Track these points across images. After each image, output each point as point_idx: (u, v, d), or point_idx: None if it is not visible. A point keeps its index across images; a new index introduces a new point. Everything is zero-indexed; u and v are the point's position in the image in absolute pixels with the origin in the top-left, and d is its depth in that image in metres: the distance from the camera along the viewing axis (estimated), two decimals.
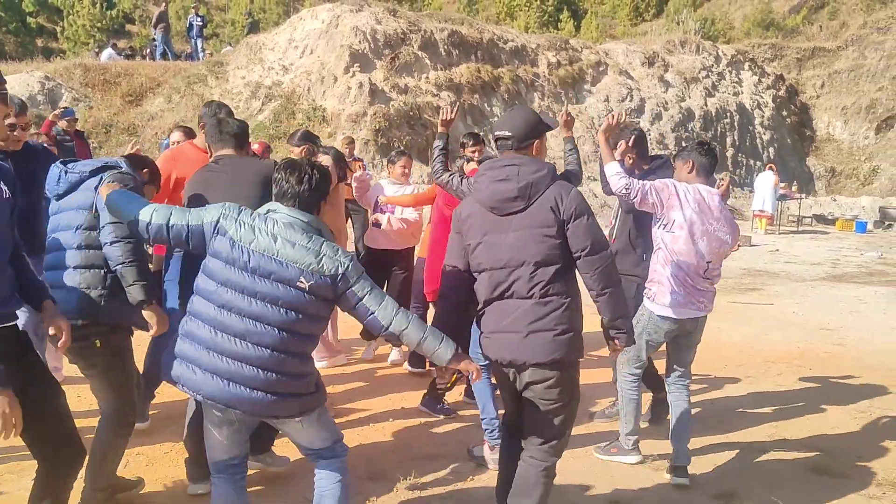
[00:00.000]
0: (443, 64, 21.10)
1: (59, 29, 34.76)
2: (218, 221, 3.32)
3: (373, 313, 3.31)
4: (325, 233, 3.42)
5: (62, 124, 9.85)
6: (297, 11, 25.70)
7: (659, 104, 24.44)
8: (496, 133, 3.76)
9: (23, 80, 19.54)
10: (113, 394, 4.00)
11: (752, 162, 25.89)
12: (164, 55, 25.54)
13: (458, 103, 6.35)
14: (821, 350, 8.37)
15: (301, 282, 3.23)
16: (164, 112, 19.60)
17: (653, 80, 25.04)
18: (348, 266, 3.29)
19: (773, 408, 6.34)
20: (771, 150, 26.57)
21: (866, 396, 6.73)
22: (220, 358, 3.21)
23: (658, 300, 4.81)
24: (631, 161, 5.63)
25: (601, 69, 24.42)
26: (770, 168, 20.98)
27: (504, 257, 3.56)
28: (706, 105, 25.41)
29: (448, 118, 4.95)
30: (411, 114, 19.17)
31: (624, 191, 4.67)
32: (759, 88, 27.78)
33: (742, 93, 27.11)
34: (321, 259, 3.26)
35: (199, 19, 27.36)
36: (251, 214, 3.36)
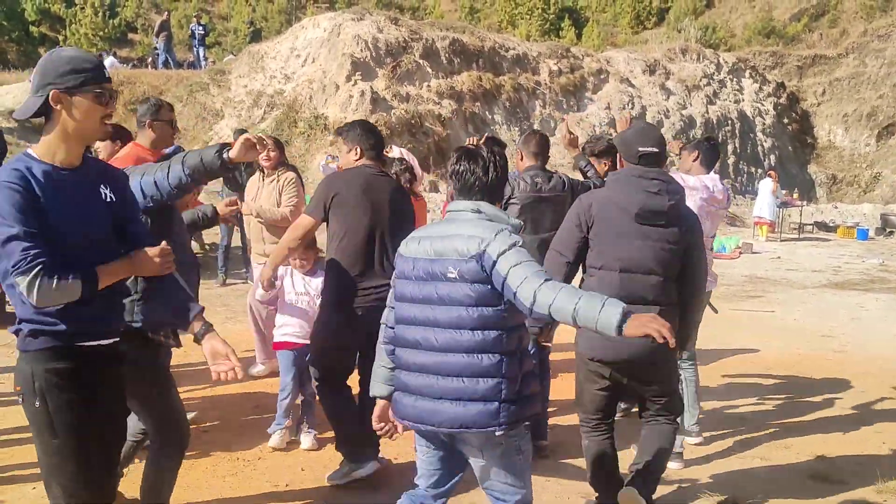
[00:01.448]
0: (444, 72, 21.16)
1: (61, 38, 34.78)
2: None
3: (514, 292, 2.96)
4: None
5: None
6: (299, 20, 25.77)
7: (660, 112, 24.48)
8: (643, 149, 3.99)
9: (25, 89, 19.58)
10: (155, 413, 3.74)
11: (753, 169, 25.90)
12: (166, 64, 25.65)
13: (485, 135, 6.48)
14: (822, 357, 8.37)
15: (451, 271, 3.09)
16: None
17: (654, 87, 25.08)
18: (488, 242, 3.04)
19: (774, 414, 6.34)
20: (772, 157, 26.58)
21: (867, 403, 6.73)
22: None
23: None
24: (605, 168, 5.81)
25: (602, 77, 24.47)
26: (769, 175, 20.99)
27: (636, 262, 3.91)
28: (707, 112, 25.44)
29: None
30: (413, 122, 19.22)
31: None
32: (760, 96, 27.81)
33: (743, 100, 27.14)
34: (468, 241, 3.08)
35: (201, 28, 27.50)
36: None
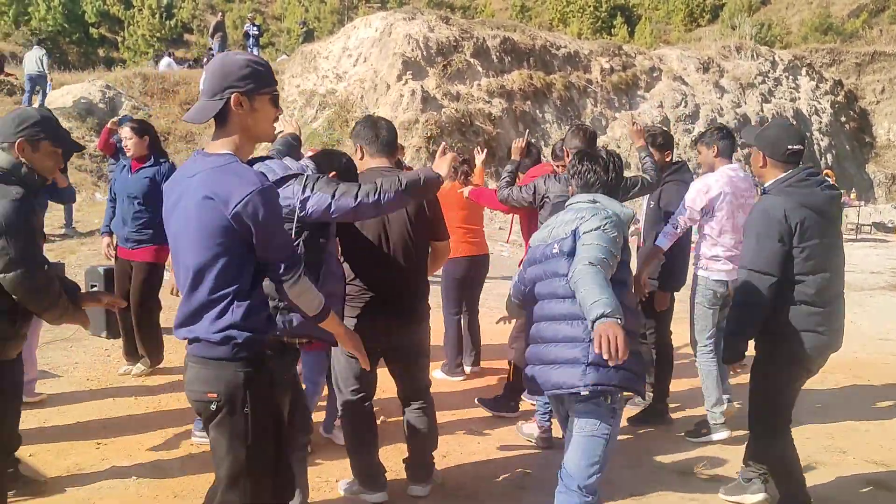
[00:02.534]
0: (495, 71, 21.15)
1: (119, 39, 35.56)
2: None
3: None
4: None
5: (122, 132, 10.05)
6: (351, 20, 25.97)
7: (714, 110, 24.16)
8: (792, 146, 4.08)
9: (84, 89, 20.06)
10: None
11: None
12: None
13: (528, 133, 6.50)
14: (879, 360, 8.21)
15: (555, 248, 3.54)
16: None
17: (708, 85, 24.77)
18: (584, 220, 3.47)
19: (830, 419, 6.23)
20: (829, 156, 26.07)
21: None
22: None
23: (712, 268, 5.54)
24: (668, 159, 5.98)
25: (655, 75, 24.23)
26: (826, 174, 20.59)
27: (839, 261, 4.24)
28: (762, 111, 25.04)
29: (521, 146, 5.78)
30: (463, 121, 19.25)
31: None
32: (816, 94, 27.29)
33: (799, 98, 26.66)
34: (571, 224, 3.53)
35: (255, 28, 27.86)
36: None
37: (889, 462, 5.33)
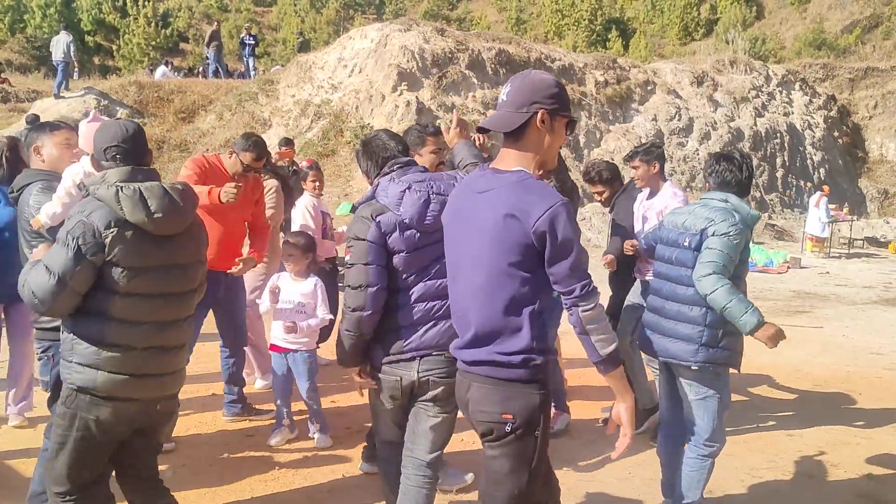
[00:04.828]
0: (490, 83, 21.19)
1: (115, 47, 35.60)
2: None
3: (696, 270, 4.02)
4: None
5: None
6: (347, 31, 26.04)
7: (708, 124, 24.24)
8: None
9: (79, 98, 20.06)
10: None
11: (801, 183, 25.52)
12: (216, 73, 26.08)
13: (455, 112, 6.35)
14: (871, 374, 8.22)
15: (685, 240, 4.15)
16: (215, 129, 19.97)
17: (702, 99, 24.86)
18: (714, 224, 4.03)
19: (822, 432, 6.23)
20: (822, 171, 26.16)
21: None
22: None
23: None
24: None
25: (649, 88, 24.31)
26: (821, 189, 20.68)
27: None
28: (756, 125, 25.14)
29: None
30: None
31: None
32: (810, 109, 27.41)
33: (793, 113, 26.77)
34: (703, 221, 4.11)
35: (251, 38, 27.93)
36: None
37: (880, 476, 5.34)
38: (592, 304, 2.75)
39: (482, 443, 2.95)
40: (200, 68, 29.75)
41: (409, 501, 3.53)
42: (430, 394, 3.48)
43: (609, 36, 38.90)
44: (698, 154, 23.11)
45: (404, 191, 3.45)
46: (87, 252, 2.98)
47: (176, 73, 29.24)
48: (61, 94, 20.73)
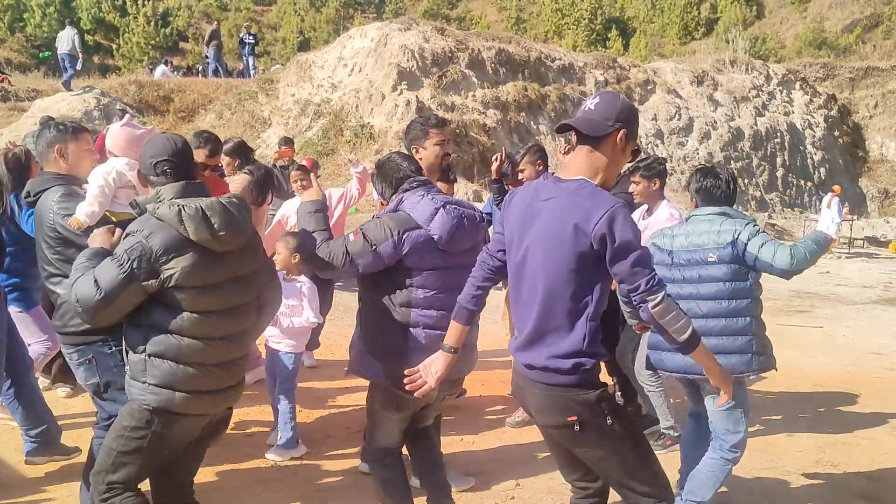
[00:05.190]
0: (490, 82, 21.19)
1: (114, 46, 35.57)
2: None
3: (769, 263, 4.05)
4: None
5: None
6: (347, 30, 26.02)
7: (708, 123, 24.24)
8: None
9: (79, 97, 20.05)
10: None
11: (802, 182, 25.53)
12: (216, 72, 26.06)
13: (503, 151, 6.37)
14: (871, 374, 8.21)
15: (710, 256, 4.18)
16: (215, 128, 19.92)
17: (702, 98, 24.86)
18: (739, 231, 4.13)
19: (821, 432, 6.22)
20: (822, 170, 26.17)
21: None
22: None
23: None
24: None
25: (649, 88, 24.31)
26: (832, 189, 20.74)
27: None
28: (756, 124, 25.14)
29: (497, 166, 5.95)
30: (458, 132, 19.25)
31: None
32: (810, 108, 27.41)
33: (793, 112, 26.77)
34: (721, 234, 4.18)
35: (250, 37, 27.90)
36: None
37: (880, 476, 5.32)
38: (660, 298, 2.88)
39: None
40: (200, 67, 29.72)
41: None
42: (440, 405, 3.90)
43: (609, 35, 38.87)
44: (698, 154, 23.12)
45: (437, 209, 3.58)
46: (140, 276, 2.96)
47: (175, 73, 29.22)
48: (71, 88, 20.91)
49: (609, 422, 2.97)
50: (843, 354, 9.10)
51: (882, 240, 22.00)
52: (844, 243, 21.29)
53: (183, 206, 3.02)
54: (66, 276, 3.39)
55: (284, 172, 9.29)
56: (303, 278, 5.27)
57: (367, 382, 3.85)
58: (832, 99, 28.36)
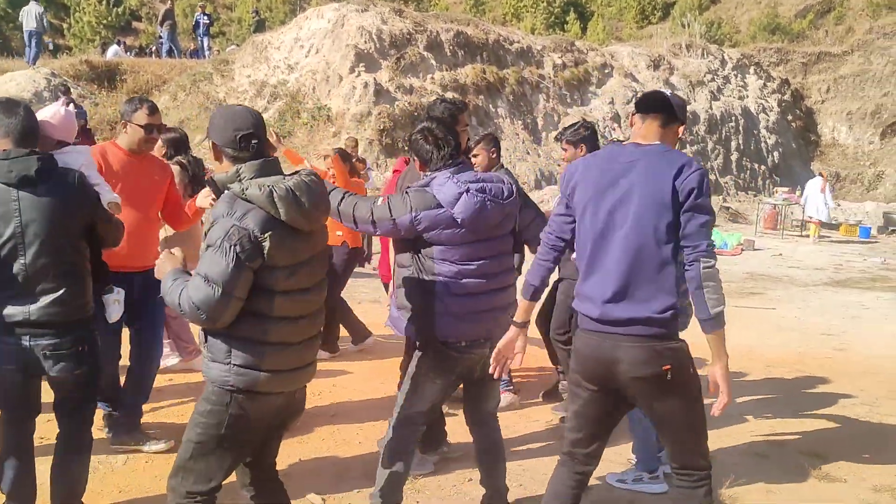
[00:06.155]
0: (448, 64, 21.12)
1: (65, 26, 34.83)
2: None
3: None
4: None
5: None
6: (304, 10, 25.72)
7: None
8: None
9: (29, 77, 19.60)
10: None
11: (756, 166, 25.87)
12: (170, 53, 25.59)
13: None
14: (822, 355, 8.37)
15: None
16: (169, 110, 19.62)
17: (658, 82, 25.02)
18: None
19: (773, 412, 6.33)
20: (776, 154, 26.55)
21: (867, 402, 6.72)
22: None
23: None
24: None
25: (607, 71, 24.42)
26: (820, 174, 21.10)
27: None
28: (711, 108, 25.40)
29: None
30: (416, 114, 19.15)
31: None
32: (764, 92, 27.76)
33: (747, 97, 27.09)
34: None
35: (205, 17, 27.43)
36: None
37: (828, 453, 5.41)
38: (713, 263, 3.10)
39: (640, 402, 3.32)
40: (153, 48, 29.19)
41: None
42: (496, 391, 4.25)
43: (567, 18, 38.92)
44: None
45: (462, 193, 3.70)
46: (246, 258, 2.87)
47: (128, 53, 28.68)
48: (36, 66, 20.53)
49: (691, 371, 3.24)
50: (794, 336, 9.26)
51: (833, 223, 22.40)
52: (797, 226, 21.64)
53: (273, 187, 2.93)
54: None
55: None
56: None
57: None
58: (785, 83, 28.74)
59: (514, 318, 3.54)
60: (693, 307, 3.23)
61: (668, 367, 3.15)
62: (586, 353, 3.34)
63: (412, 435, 4.02)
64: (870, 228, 21.56)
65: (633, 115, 3.44)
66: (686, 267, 3.12)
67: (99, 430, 4.75)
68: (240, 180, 2.97)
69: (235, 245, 2.85)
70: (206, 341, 3.08)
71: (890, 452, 5.56)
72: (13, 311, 3.42)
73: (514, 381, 6.23)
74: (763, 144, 26.52)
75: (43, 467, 3.74)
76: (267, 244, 2.90)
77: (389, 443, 4.00)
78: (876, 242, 20.47)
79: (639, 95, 3.86)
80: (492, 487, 4.21)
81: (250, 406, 3.06)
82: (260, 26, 28.33)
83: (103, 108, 19.66)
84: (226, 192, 3.02)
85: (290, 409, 3.28)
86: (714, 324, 3.11)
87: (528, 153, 20.61)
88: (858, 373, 7.64)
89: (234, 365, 3.01)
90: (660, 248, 3.13)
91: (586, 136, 5.59)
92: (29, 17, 20.68)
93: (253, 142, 3.03)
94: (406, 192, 3.78)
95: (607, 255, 3.22)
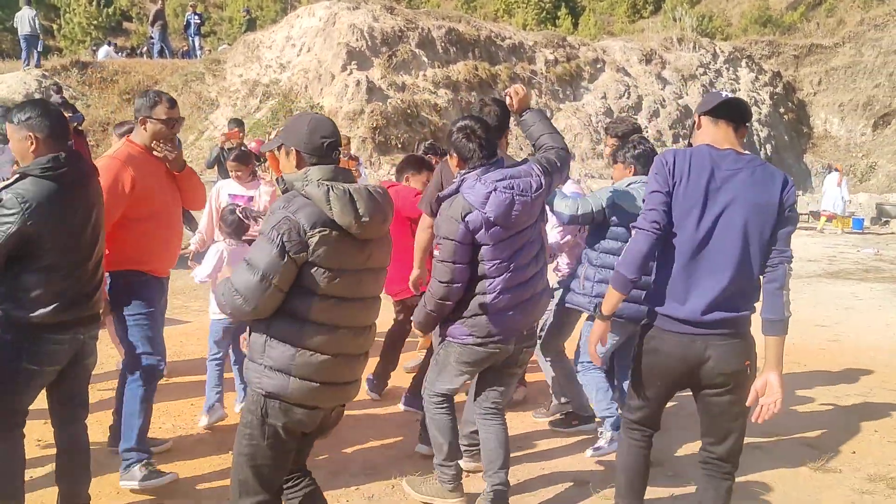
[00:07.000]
0: (440, 61, 21.12)
1: (55, 27, 34.70)
2: None
3: None
4: None
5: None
6: (295, 9, 25.69)
7: (656, 101, 24.47)
8: None
9: (20, 79, 19.56)
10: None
11: None
12: (161, 53, 25.54)
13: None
14: (815, 346, 8.39)
15: None
16: None
17: (650, 77, 25.06)
18: None
19: None
20: (768, 146, 26.60)
21: (860, 393, 6.76)
22: None
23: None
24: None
25: (599, 66, 24.44)
26: (836, 168, 21.14)
27: None
28: None
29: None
30: (408, 112, 19.20)
31: None
32: (756, 85, 27.80)
33: (739, 90, 27.10)
34: None
35: (196, 17, 27.36)
36: None
37: (822, 444, 5.45)
38: (791, 270, 3.39)
39: (708, 395, 3.50)
40: (145, 48, 29.10)
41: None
42: (519, 360, 4.22)
43: (559, 14, 38.87)
44: (647, 132, 23.32)
45: (490, 192, 3.83)
46: (291, 250, 2.89)
47: (120, 54, 28.61)
48: (30, 69, 20.56)
49: (756, 367, 3.48)
50: (789, 327, 9.27)
51: (846, 215, 22.35)
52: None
53: (331, 186, 2.99)
54: None
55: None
56: (221, 244, 5.35)
57: None
58: (777, 76, 28.78)
59: (602, 310, 3.60)
60: (765, 307, 3.40)
61: (749, 362, 3.42)
62: (672, 353, 3.47)
63: (448, 411, 4.28)
64: (863, 220, 21.61)
65: (700, 116, 3.52)
66: (771, 269, 3.38)
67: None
68: (307, 181, 3.03)
69: (283, 234, 2.91)
70: (249, 337, 3.13)
71: (884, 443, 5.60)
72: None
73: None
74: (755, 137, 26.56)
75: (43, 470, 3.74)
76: (314, 240, 2.93)
77: (430, 423, 4.32)
78: (869, 234, 20.52)
79: (705, 97, 3.65)
80: (492, 482, 4.21)
81: (287, 416, 3.06)
82: (251, 25, 28.26)
83: (95, 109, 19.65)
84: (289, 190, 3.09)
85: (320, 426, 3.24)
86: (784, 326, 3.38)
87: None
88: (851, 363, 7.67)
89: (265, 366, 3.03)
90: (759, 254, 3.36)
91: (645, 150, 5.02)
92: (23, 22, 20.70)
93: (338, 149, 3.16)
94: (441, 215, 3.96)
95: (710, 260, 3.36)
